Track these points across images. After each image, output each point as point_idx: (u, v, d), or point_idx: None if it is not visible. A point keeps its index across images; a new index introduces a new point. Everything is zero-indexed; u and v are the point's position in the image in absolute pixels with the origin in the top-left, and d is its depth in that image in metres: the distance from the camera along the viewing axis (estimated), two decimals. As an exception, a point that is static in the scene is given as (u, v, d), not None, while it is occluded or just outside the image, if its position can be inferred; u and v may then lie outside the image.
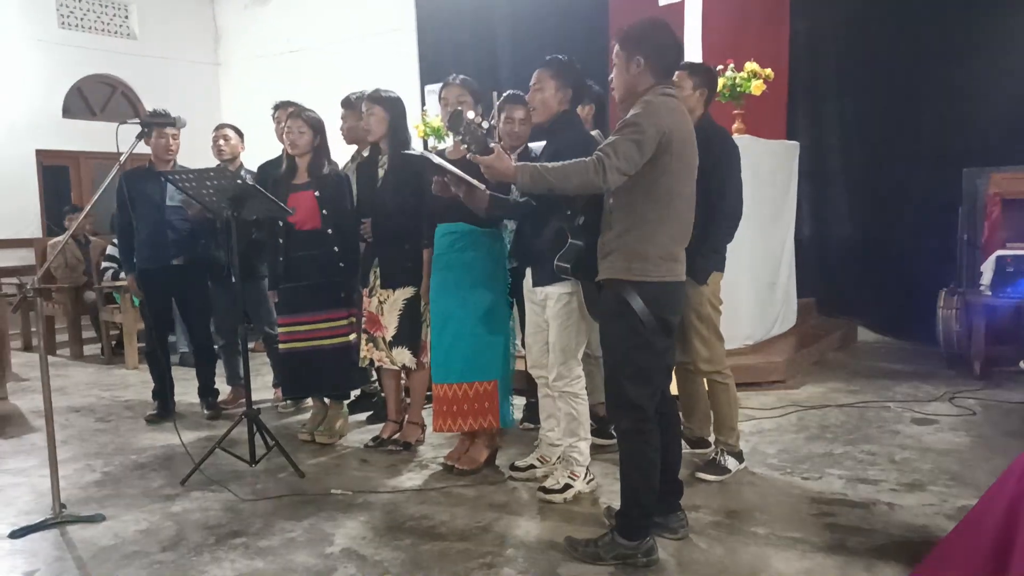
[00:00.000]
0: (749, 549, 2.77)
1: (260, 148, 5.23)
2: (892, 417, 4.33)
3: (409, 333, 3.91)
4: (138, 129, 3.83)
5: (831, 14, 6.57)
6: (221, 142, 4.97)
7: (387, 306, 3.92)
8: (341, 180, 4.17)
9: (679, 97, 3.43)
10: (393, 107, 3.90)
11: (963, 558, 2.00)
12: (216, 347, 5.18)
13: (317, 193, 4.05)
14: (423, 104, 8.49)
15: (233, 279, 4.05)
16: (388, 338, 3.92)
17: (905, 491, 3.25)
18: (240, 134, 5.08)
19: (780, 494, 3.28)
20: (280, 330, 4.22)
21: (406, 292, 3.89)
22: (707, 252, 3.35)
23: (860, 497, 3.20)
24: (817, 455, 3.74)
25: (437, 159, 2.99)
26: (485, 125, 2.74)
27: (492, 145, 2.63)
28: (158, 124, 4.20)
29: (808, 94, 6.74)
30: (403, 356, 3.92)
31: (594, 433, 3.60)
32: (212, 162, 4.87)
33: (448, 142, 6.37)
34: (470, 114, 2.74)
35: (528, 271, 3.39)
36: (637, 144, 2.48)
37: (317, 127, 4.12)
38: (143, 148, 4.51)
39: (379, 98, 3.90)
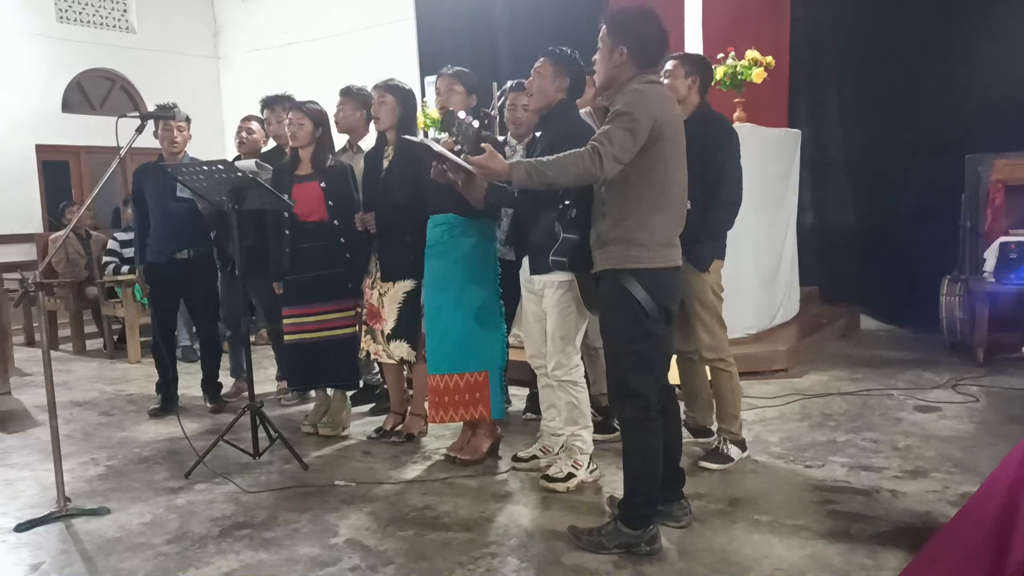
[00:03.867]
0: (752, 537, 2.77)
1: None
2: (895, 405, 4.33)
3: (408, 326, 3.90)
4: (138, 123, 3.82)
5: (832, 1, 6.53)
6: (244, 134, 4.98)
7: (387, 299, 3.92)
8: (346, 171, 4.16)
9: (670, 86, 3.47)
10: (406, 98, 3.89)
11: (964, 543, 2.01)
12: (222, 339, 5.17)
13: (323, 184, 4.05)
14: (423, 96, 8.47)
15: (236, 272, 4.03)
16: (387, 331, 3.91)
17: (908, 478, 3.25)
18: (265, 128, 5.05)
19: (783, 482, 3.29)
20: (285, 322, 4.20)
21: (406, 285, 3.88)
22: (707, 239, 3.36)
23: (863, 484, 3.20)
24: (820, 443, 3.74)
25: (437, 147, 2.99)
26: (476, 124, 2.73)
27: (484, 145, 2.62)
28: (155, 117, 4.17)
29: (809, 81, 6.72)
30: (401, 349, 3.91)
31: (597, 425, 3.59)
32: (218, 154, 4.87)
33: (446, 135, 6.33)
34: (461, 114, 2.75)
35: (525, 260, 3.38)
36: (631, 132, 2.48)
37: (318, 118, 4.10)
38: (150, 142, 4.51)
39: (393, 87, 3.89)
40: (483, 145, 2.62)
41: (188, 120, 4.68)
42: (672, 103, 2.67)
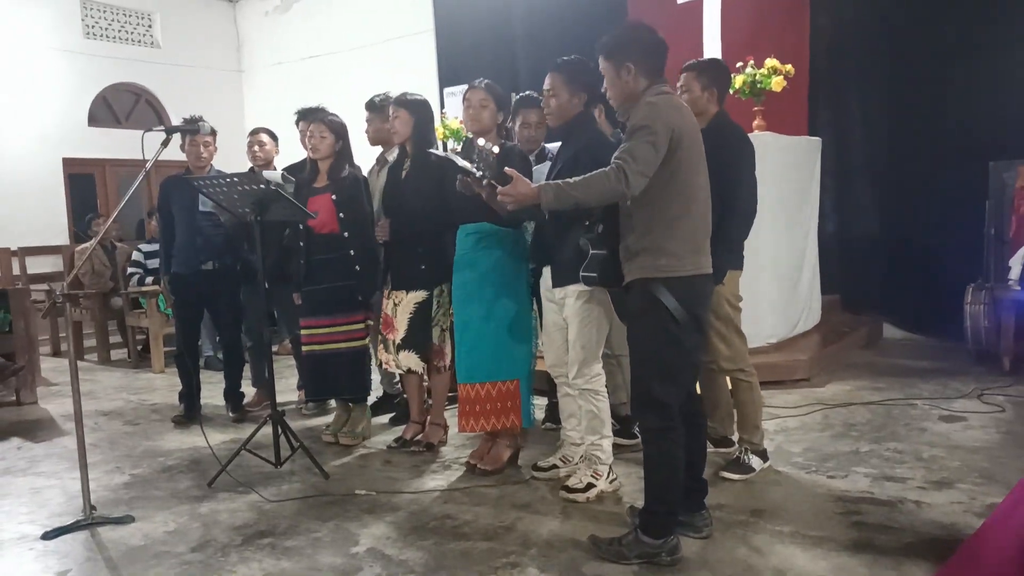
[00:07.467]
0: (774, 548, 2.75)
1: (285, 153, 5.29)
2: (919, 415, 4.28)
3: (418, 337, 3.92)
4: (163, 136, 3.88)
5: (852, 7, 6.51)
6: (256, 148, 5.03)
7: (399, 308, 3.95)
8: (357, 182, 4.19)
9: (688, 100, 3.46)
10: (419, 110, 3.93)
11: (991, 555, 1.97)
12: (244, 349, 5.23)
13: (334, 196, 4.09)
14: (442, 107, 8.53)
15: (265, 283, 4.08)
16: (397, 341, 3.94)
17: (933, 489, 3.21)
18: (275, 138, 5.14)
19: (805, 493, 3.26)
20: (302, 332, 4.25)
21: (418, 295, 3.91)
22: (721, 251, 3.31)
23: (887, 495, 3.16)
24: (843, 453, 3.71)
25: (462, 161, 3.02)
26: (496, 150, 2.78)
27: (507, 170, 2.65)
28: (180, 131, 4.23)
29: (830, 89, 6.68)
30: (410, 360, 3.93)
31: (616, 434, 3.59)
32: (242, 167, 4.93)
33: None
34: (480, 141, 2.79)
35: (546, 271, 3.39)
36: (652, 145, 2.52)
37: (339, 131, 4.15)
38: (175, 155, 4.57)
39: (405, 101, 3.94)
40: (507, 170, 2.65)
41: (214, 133, 4.73)
42: (687, 112, 2.70)
